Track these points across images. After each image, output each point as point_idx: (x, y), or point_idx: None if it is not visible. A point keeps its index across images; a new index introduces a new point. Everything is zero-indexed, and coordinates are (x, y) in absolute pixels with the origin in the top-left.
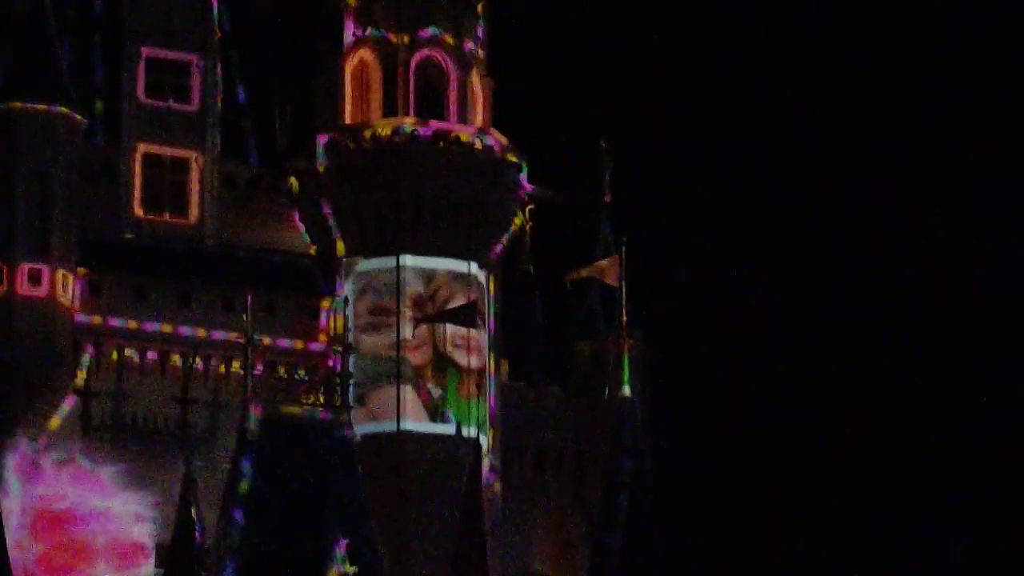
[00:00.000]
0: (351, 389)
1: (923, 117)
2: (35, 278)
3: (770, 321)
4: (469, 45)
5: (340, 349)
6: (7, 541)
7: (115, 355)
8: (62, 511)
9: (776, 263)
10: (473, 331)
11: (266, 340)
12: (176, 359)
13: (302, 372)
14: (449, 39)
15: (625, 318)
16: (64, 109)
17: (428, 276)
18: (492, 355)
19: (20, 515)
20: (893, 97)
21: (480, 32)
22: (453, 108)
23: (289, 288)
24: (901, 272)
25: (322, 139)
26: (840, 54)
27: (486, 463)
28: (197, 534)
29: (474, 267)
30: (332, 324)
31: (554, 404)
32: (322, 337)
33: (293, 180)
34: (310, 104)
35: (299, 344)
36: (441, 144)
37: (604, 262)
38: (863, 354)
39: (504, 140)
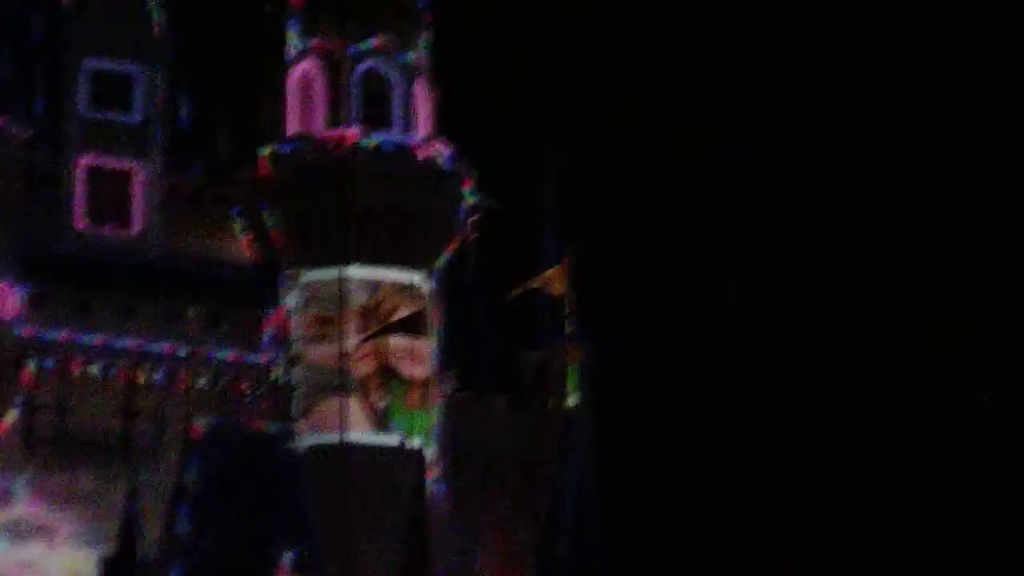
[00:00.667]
0: (295, 401)
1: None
2: None
3: (717, 330)
4: (414, 55)
5: (284, 361)
6: None
7: (58, 368)
8: (5, 525)
9: (723, 270)
10: (418, 341)
11: (210, 352)
12: (120, 372)
13: (246, 384)
14: (393, 49)
15: (570, 329)
16: (4, 120)
17: (373, 286)
18: (437, 366)
19: None
20: (843, 89)
21: (425, 42)
22: (398, 118)
23: (233, 300)
24: (857, 272)
25: (266, 150)
26: (786, 54)
27: (431, 474)
28: (141, 547)
29: (419, 277)
30: (276, 336)
31: (500, 414)
32: (265, 350)
33: (237, 191)
34: (254, 115)
35: (243, 356)
36: (385, 154)
37: (549, 272)
38: (811, 361)
39: (449, 150)
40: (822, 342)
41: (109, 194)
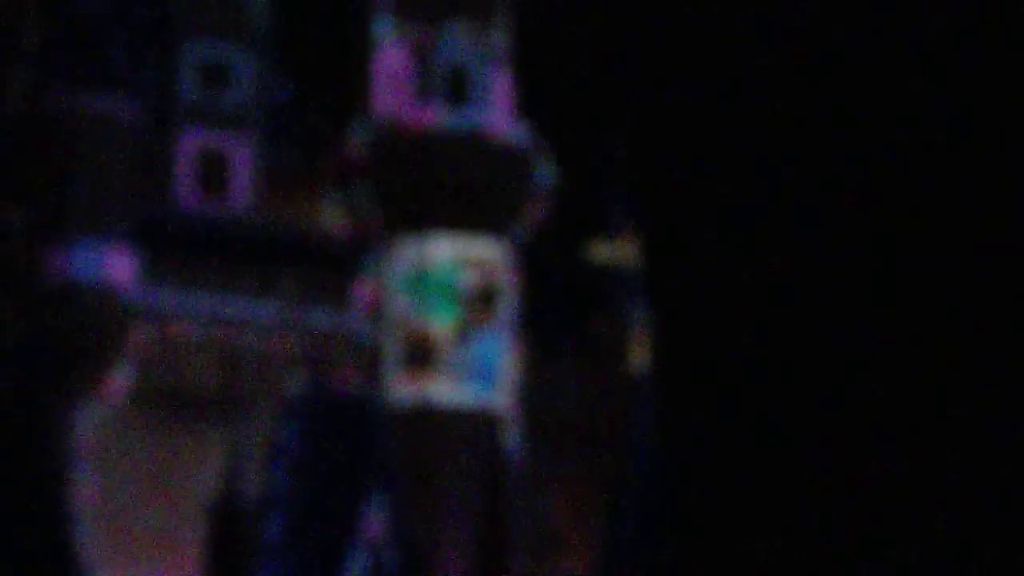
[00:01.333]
0: (383, 363)
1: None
2: (92, 259)
3: (783, 298)
4: (494, 39)
5: (374, 326)
6: (79, 506)
7: (166, 331)
8: (123, 476)
9: (788, 242)
10: (498, 307)
11: (303, 317)
12: (221, 335)
13: (337, 347)
14: (475, 34)
15: (639, 297)
16: (115, 100)
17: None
18: (514, 330)
19: (86, 481)
20: (892, 83)
21: (504, 27)
22: (477, 99)
23: (325, 268)
24: (911, 255)
25: (357, 128)
26: (834, 50)
27: (507, 432)
28: (243, 496)
29: (499, 247)
30: (366, 302)
31: (570, 377)
32: (355, 315)
33: (329, 167)
34: (347, 93)
35: (334, 321)
36: (464, 134)
37: (620, 242)
38: (871, 334)
39: (524, 129)
40: (881, 313)
41: (212, 170)
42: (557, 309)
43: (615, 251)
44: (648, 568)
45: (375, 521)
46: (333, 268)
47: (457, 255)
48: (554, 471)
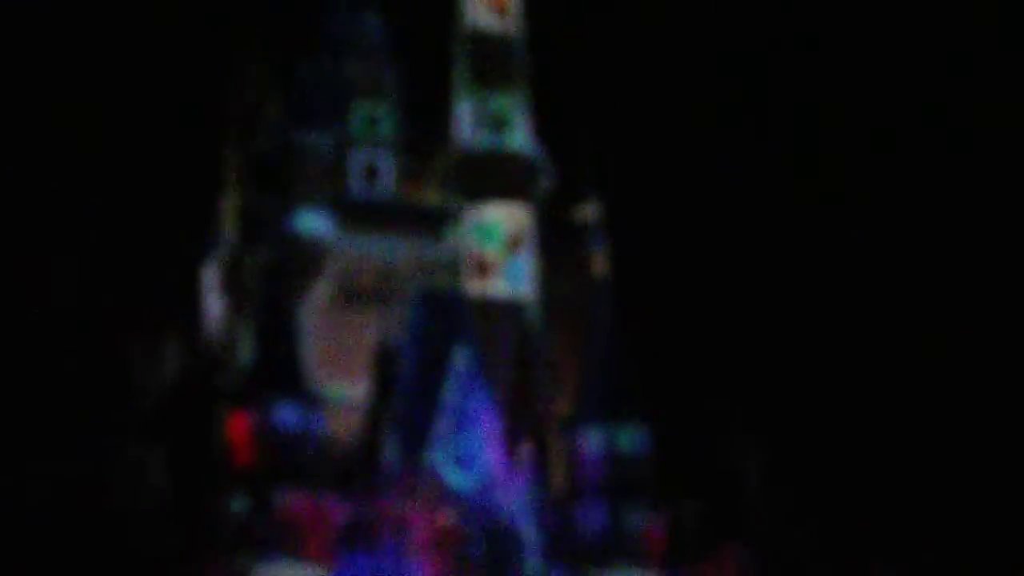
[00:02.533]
0: (464, 275)
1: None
2: (307, 220)
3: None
4: (520, 95)
5: (457, 252)
6: (306, 352)
7: (348, 258)
8: (326, 336)
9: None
10: (523, 242)
11: (421, 249)
12: (376, 261)
13: (439, 265)
14: (509, 95)
15: (601, 235)
16: (319, 135)
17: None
18: (533, 254)
19: (307, 338)
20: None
21: (527, 87)
22: (511, 128)
23: (432, 222)
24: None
25: (446, 148)
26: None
27: (531, 311)
28: (391, 347)
29: (525, 210)
30: (454, 241)
31: (564, 279)
32: (448, 247)
33: (432, 168)
34: (440, 129)
35: (437, 251)
36: (504, 149)
37: (590, 205)
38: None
39: (537, 146)
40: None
41: (369, 171)
42: (556, 242)
43: (587, 210)
44: (613, 391)
45: (461, 363)
46: (435, 222)
47: (500, 214)
48: (556, 332)
